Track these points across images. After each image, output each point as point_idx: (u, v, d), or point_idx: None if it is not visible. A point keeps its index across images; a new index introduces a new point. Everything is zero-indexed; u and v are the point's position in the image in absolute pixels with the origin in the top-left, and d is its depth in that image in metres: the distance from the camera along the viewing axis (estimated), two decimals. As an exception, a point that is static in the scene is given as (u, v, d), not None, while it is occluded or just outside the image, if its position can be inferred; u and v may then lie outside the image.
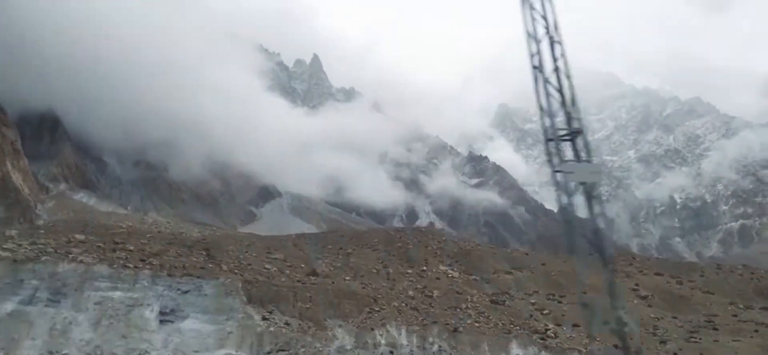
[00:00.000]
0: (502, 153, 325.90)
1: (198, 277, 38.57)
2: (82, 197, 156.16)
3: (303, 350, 35.94)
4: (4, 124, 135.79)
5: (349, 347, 36.31)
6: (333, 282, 43.50)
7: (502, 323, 38.64)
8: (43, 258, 39.02)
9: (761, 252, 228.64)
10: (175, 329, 36.15)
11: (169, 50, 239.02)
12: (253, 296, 39.04)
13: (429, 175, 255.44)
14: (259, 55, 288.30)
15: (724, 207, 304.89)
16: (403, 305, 41.06)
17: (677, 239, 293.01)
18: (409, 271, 50.05)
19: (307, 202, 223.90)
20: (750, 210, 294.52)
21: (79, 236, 56.13)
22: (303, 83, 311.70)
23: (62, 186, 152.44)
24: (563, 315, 40.32)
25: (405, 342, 36.80)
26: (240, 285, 38.58)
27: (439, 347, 36.48)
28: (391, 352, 36.17)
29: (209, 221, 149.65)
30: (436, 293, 44.25)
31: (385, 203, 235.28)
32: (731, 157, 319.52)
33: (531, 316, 40.21)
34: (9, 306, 35.96)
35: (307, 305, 38.75)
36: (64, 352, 34.53)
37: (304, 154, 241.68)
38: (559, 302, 42.86)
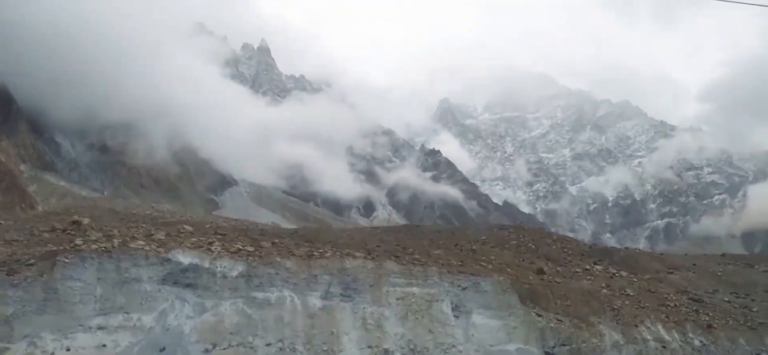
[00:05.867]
0: (448, 147, 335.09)
1: (472, 274, 40.01)
2: (50, 178, 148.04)
3: (584, 345, 38.56)
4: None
5: (622, 343, 39.20)
6: (570, 279, 46.10)
7: (731, 321, 42.89)
8: (328, 255, 39.01)
9: (684, 249, 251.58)
10: (471, 323, 37.64)
11: (128, 32, 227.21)
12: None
13: (386, 169, 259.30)
14: (219, 43, 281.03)
15: (652, 206, 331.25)
16: (626, 303, 44.32)
17: (608, 235, 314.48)
18: (578, 270, 53.27)
19: (264, 191, 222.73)
20: (675, 209, 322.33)
21: (188, 228, 55.12)
22: (251, 68, 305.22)
23: (22, 167, 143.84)
24: (776, 314, 45.24)
25: (668, 338, 40.19)
26: (510, 283, 40.37)
27: (700, 341, 40.19)
28: (664, 347, 39.45)
29: (175, 207, 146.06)
30: (629, 291, 47.79)
31: (342, 194, 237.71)
32: (659, 159, 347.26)
33: (743, 314, 44.74)
34: (317, 302, 36.09)
35: (567, 303, 41.16)
36: (384, 346, 35.20)
37: (261, 143, 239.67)
38: (753, 300, 47.72)
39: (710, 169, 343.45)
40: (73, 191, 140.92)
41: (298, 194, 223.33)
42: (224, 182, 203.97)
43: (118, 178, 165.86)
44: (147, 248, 37.34)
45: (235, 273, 36.23)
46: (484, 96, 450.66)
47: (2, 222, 61.00)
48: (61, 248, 36.06)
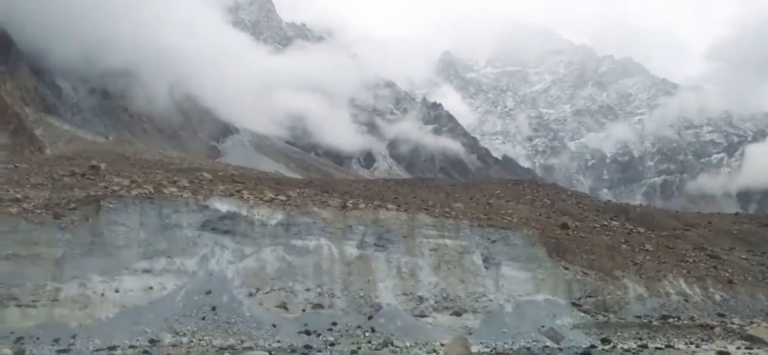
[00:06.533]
0: (449, 100, 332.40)
1: (501, 228, 40.82)
2: (54, 122, 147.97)
3: (609, 297, 39.78)
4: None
5: (645, 296, 40.36)
6: (590, 234, 47.07)
7: (750, 277, 44.09)
8: (361, 206, 39.65)
9: (680, 206, 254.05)
10: (500, 274, 38.66)
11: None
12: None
13: (387, 121, 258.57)
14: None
15: (650, 163, 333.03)
16: (647, 258, 45.38)
17: (605, 191, 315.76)
18: (596, 225, 54.22)
19: (266, 140, 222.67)
20: (672, 166, 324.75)
21: (207, 175, 55.77)
22: (251, 15, 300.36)
23: (27, 110, 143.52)
24: (793, 271, 46.54)
25: (690, 292, 41.37)
26: (538, 237, 41.21)
27: (721, 296, 41.42)
28: (686, 300, 40.65)
29: (178, 153, 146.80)
30: (648, 246, 48.86)
31: (343, 146, 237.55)
32: (660, 117, 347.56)
33: (761, 271, 45.96)
34: (353, 251, 36.95)
35: (593, 257, 42.15)
36: (418, 294, 36.27)
37: (263, 92, 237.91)
38: (768, 257, 48.87)
39: (709, 128, 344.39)
40: (79, 136, 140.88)
41: (300, 144, 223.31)
42: (226, 130, 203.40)
43: (121, 123, 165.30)
44: (186, 194, 37.92)
45: (274, 221, 36.95)
46: (487, 49, 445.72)
47: (18, 166, 61.44)
48: (99, 193, 36.58)
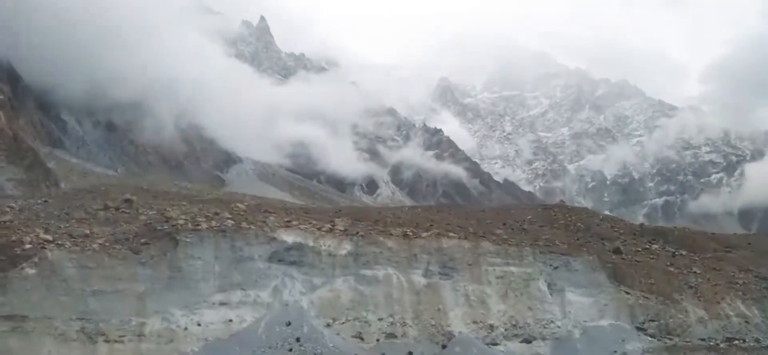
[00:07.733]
0: (448, 126, 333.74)
1: (562, 254, 41.13)
2: (64, 156, 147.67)
3: (671, 320, 40.07)
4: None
5: (706, 319, 40.62)
6: (640, 258, 47.39)
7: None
8: (424, 234, 39.85)
9: (682, 226, 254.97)
10: (566, 300, 38.86)
11: (133, 9, 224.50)
12: (597, 272, 42.07)
13: (389, 147, 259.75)
14: (223, 21, 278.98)
15: (650, 184, 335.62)
16: (699, 280, 45.71)
17: (606, 212, 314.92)
18: (638, 249, 54.45)
19: (269, 168, 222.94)
20: (673, 187, 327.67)
21: (241, 206, 55.47)
22: (250, 46, 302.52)
23: (35, 144, 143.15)
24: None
25: (749, 314, 41.69)
26: (598, 262, 41.50)
27: (781, 317, 41.72)
28: (747, 322, 40.94)
29: (183, 184, 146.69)
30: (696, 269, 49.17)
31: (346, 173, 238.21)
32: (659, 139, 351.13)
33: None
34: (421, 279, 37.15)
35: (651, 281, 42.46)
36: (488, 322, 36.40)
37: (265, 121, 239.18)
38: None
39: (708, 148, 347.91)
40: (89, 169, 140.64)
41: (302, 172, 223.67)
42: (229, 160, 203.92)
43: (126, 156, 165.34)
44: (254, 227, 38.01)
45: (343, 252, 37.14)
46: (483, 74, 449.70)
47: (49, 201, 61.24)
48: (166, 227, 36.43)
